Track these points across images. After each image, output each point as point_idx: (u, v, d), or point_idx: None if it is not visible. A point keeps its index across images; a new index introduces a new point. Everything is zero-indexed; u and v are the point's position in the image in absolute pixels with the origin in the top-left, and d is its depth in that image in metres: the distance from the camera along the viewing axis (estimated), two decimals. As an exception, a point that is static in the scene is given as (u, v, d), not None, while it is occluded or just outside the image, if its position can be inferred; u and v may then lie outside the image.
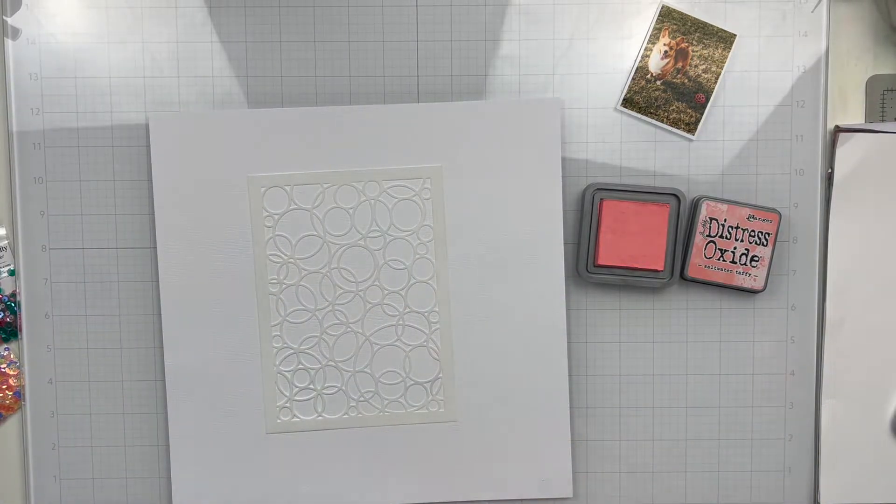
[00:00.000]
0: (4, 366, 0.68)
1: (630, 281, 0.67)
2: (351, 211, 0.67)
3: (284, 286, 0.67)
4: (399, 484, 0.69)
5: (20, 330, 0.68)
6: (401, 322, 0.68)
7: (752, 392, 0.70)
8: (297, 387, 0.68)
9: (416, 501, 0.69)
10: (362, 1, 0.68)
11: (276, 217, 0.67)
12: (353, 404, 0.68)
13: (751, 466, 0.70)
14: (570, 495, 0.69)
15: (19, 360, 0.68)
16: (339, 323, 0.68)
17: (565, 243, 0.68)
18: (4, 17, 0.67)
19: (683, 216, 0.67)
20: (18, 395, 0.68)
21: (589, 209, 0.67)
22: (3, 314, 0.68)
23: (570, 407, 0.69)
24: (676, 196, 0.67)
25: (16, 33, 0.67)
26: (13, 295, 0.68)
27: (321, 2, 0.68)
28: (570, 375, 0.69)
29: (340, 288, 0.67)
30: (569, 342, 0.69)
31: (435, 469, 0.69)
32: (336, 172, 0.67)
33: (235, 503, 0.68)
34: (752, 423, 0.70)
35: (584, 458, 0.70)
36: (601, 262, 0.67)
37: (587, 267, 0.67)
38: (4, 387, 0.68)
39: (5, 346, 0.68)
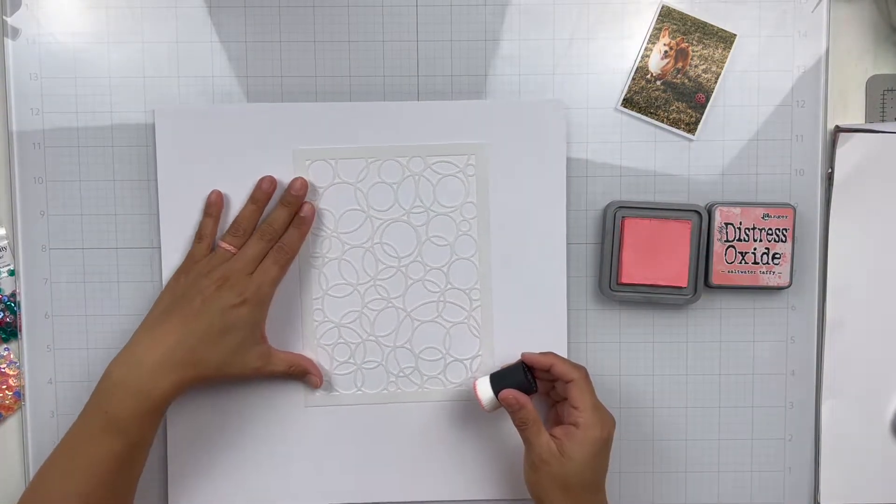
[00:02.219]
0: (4, 366, 0.68)
1: (654, 298, 0.67)
2: (395, 186, 0.67)
3: (327, 260, 0.67)
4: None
5: (20, 330, 0.68)
6: (442, 299, 0.68)
7: (752, 392, 0.69)
8: (337, 361, 0.68)
9: (423, 498, 0.69)
10: (362, 1, 0.68)
11: (321, 191, 0.67)
12: (393, 380, 0.68)
13: (751, 466, 0.70)
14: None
15: (19, 360, 0.68)
16: (380, 298, 0.68)
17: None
18: (4, 17, 0.67)
19: (705, 232, 0.67)
20: (18, 395, 0.68)
21: (611, 228, 0.67)
22: (3, 314, 0.68)
23: (571, 407, 0.69)
24: (698, 212, 0.67)
25: (16, 33, 0.67)
26: (13, 295, 0.68)
27: (321, 2, 0.68)
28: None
29: (382, 263, 0.67)
30: (569, 342, 0.69)
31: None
32: (381, 147, 0.67)
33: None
34: (752, 423, 0.70)
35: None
36: (624, 280, 0.67)
37: (610, 285, 0.67)
38: (4, 387, 0.68)
39: (5, 346, 0.68)
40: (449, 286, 0.68)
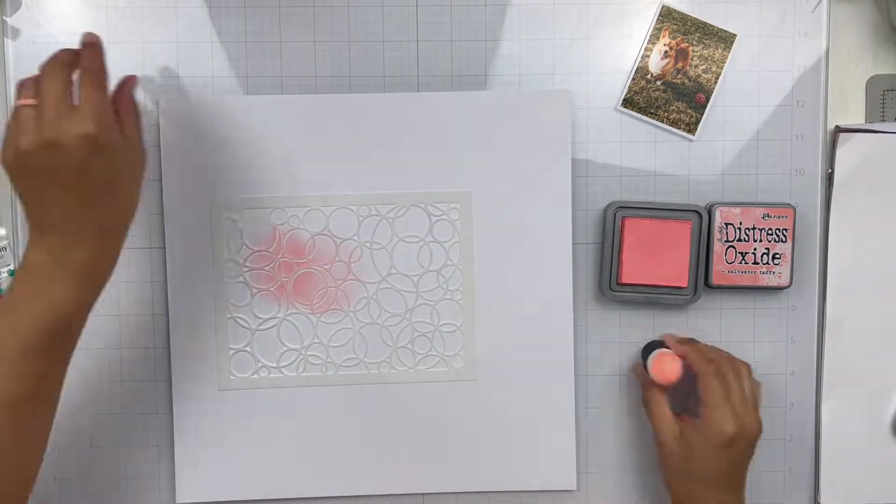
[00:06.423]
0: (4, 366, 0.68)
1: (654, 298, 0.67)
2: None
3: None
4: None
5: (20, 330, 0.68)
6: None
7: (752, 392, 0.69)
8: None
9: (418, 491, 0.69)
10: (362, 1, 0.68)
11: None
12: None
13: (751, 466, 0.70)
14: (574, 487, 0.69)
15: (19, 360, 0.68)
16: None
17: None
18: (4, 17, 0.67)
19: (705, 232, 0.67)
20: (18, 395, 0.68)
21: (611, 228, 0.67)
22: (3, 314, 0.68)
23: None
24: (698, 212, 0.67)
25: (16, 33, 0.67)
26: (13, 295, 0.68)
27: (321, 2, 0.68)
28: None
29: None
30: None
31: (439, 458, 0.69)
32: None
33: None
34: (752, 423, 0.70)
35: (584, 458, 0.70)
36: (624, 280, 0.67)
37: (610, 285, 0.67)
38: (4, 387, 0.68)
39: (5, 346, 0.68)
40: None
